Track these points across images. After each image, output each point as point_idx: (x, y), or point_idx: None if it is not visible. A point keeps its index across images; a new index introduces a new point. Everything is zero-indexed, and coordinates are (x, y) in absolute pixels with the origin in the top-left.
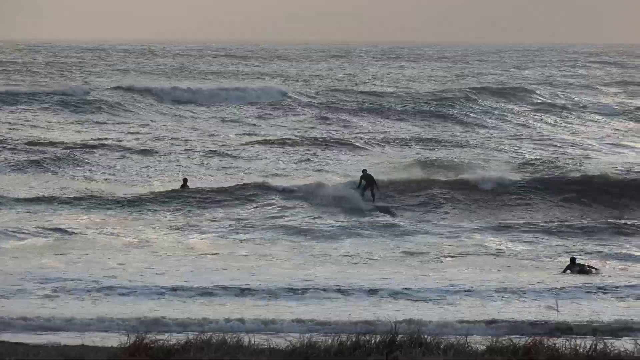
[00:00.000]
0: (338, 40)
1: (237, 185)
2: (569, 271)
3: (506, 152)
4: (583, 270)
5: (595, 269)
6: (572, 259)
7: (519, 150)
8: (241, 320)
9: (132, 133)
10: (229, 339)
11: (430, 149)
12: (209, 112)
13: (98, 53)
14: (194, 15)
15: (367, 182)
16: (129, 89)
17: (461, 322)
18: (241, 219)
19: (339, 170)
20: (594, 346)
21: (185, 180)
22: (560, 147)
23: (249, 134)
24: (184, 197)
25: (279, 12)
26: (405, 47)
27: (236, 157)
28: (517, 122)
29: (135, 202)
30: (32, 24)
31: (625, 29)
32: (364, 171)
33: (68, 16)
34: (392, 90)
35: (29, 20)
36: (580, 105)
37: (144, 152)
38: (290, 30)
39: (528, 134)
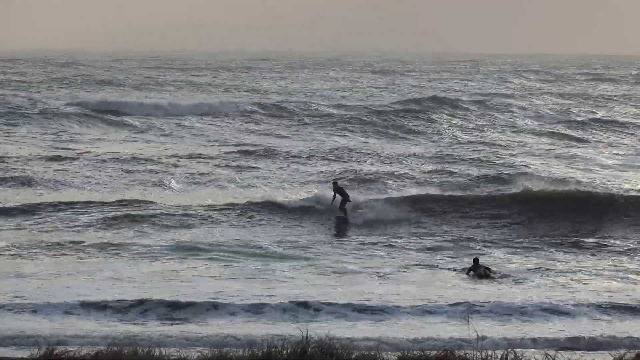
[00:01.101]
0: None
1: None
2: (472, 272)
3: (430, 165)
4: (485, 273)
5: (493, 272)
6: (476, 260)
7: (440, 163)
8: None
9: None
10: (140, 350)
11: (354, 162)
12: (142, 124)
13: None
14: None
15: (342, 196)
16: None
17: (373, 336)
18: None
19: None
20: (505, 356)
21: None
22: (486, 158)
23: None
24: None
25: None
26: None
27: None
28: (444, 133)
29: (29, 211)
30: None
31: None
32: (334, 184)
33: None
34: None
35: None
36: (504, 112)
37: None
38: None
39: (450, 140)
